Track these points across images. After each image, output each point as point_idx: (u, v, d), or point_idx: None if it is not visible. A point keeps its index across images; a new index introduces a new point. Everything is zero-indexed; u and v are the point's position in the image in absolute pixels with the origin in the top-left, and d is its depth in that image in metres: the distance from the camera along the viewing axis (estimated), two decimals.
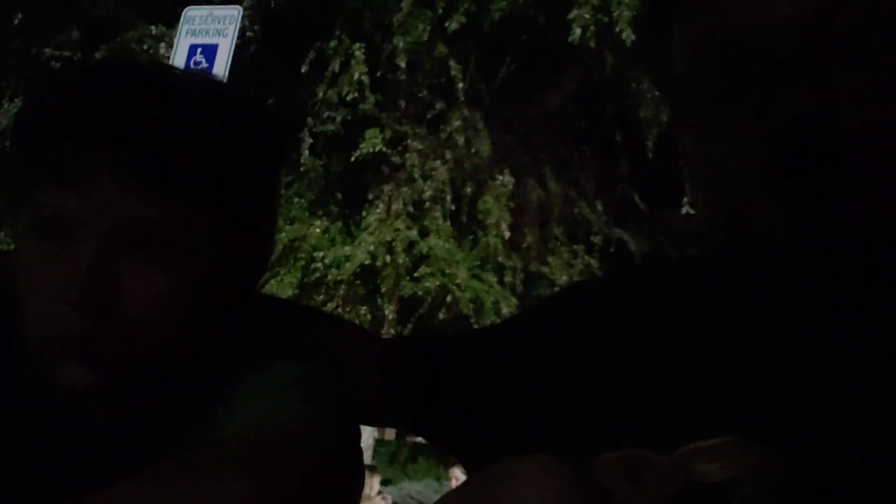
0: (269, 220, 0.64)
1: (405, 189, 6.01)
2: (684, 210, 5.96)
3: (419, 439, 7.29)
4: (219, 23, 3.75)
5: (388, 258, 5.88)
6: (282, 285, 5.86)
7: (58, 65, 5.60)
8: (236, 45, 3.89)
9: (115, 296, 0.53)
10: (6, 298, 0.58)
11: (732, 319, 0.48)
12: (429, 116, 6.03)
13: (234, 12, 3.82)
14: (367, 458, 5.82)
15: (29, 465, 0.58)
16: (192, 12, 3.82)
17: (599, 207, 6.67)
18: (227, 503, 0.44)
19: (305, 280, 6.01)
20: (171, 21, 5.24)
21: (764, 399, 0.45)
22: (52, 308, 0.53)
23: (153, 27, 5.47)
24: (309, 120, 5.91)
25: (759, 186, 0.43)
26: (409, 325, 6.15)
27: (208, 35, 3.71)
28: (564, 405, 0.53)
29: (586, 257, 6.55)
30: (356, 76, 5.67)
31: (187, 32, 3.71)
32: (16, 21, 5.97)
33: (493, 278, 6.18)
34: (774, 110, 0.42)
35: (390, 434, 7.24)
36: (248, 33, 5.39)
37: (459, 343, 0.66)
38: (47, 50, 5.68)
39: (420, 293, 6.04)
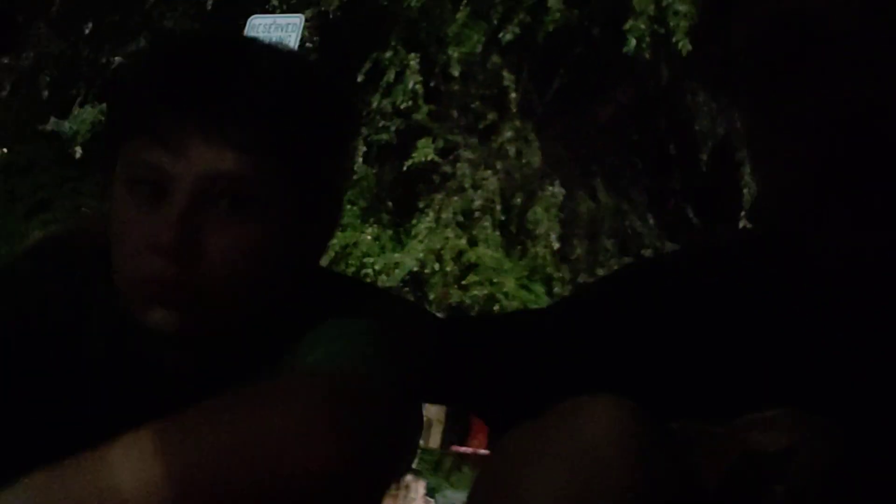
0: (338, 189, 0.69)
1: (455, 198, 6.03)
2: (741, 224, 5.84)
3: (463, 449, 7.26)
4: (282, 30, 3.86)
5: (436, 266, 5.90)
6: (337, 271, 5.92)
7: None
8: None
9: (201, 245, 0.58)
10: (93, 254, 0.63)
11: (790, 297, 0.50)
12: (481, 127, 6.05)
13: (297, 20, 3.94)
14: (412, 464, 5.82)
15: (109, 405, 0.63)
16: (256, 20, 3.95)
17: (651, 221, 6.57)
18: (298, 430, 0.47)
19: None
20: (235, 31, 5.40)
21: (820, 372, 0.46)
22: (143, 254, 0.59)
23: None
24: (363, 129, 5.99)
25: (819, 190, 0.44)
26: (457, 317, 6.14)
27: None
28: (619, 380, 0.54)
29: None
30: (410, 86, 5.74)
31: None
32: (86, 30, 6.21)
33: (541, 289, 6.15)
34: (833, 92, 0.43)
35: (434, 442, 7.23)
36: (307, 44, 5.51)
37: (516, 323, 0.68)
38: (117, 58, 5.89)
39: (468, 301, 6.04)
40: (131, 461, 0.46)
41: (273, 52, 0.66)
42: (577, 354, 0.57)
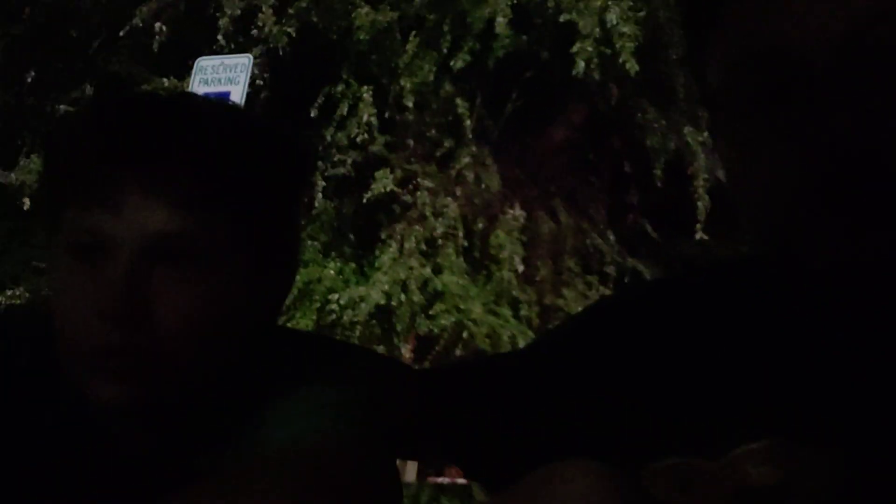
0: (292, 239, 0.66)
1: (417, 227, 6.03)
2: (698, 236, 5.94)
3: (441, 480, 7.18)
4: (230, 71, 3.84)
5: (402, 297, 5.87)
6: (297, 328, 5.85)
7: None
8: (247, 94, 3.97)
9: (148, 309, 0.55)
10: (41, 331, 0.59)
11: (776, 324, 0.48)
12: (438, 154, 6.08)
13: (245, 60, 3.91)
14: None
15: (64, 486, 0.58)
16: (203, 62, 3.91)
17: (612, 238, 6.66)
18: None
19: (321, 322, 6.00)
20: (182, 73, 5.36)
21: (813, 401, 0.45)
22: (87, 323, 0.55)
23: (165, 80, 5.58)
24: (320, 164, 5.97)
25: (803, 204, 0.43)
26: (427, 363, 6.12)
27: (220, 83, 3.79)
28: (604, 421, 0.53)
29: (601, 288, 6.52)
30: (365, 118, 5.75)
31: (200, 82, 3.79)
32: (29, 78, 6.10)
33: (508, 312, 6.15)
34: (816, 128, 0.42)
35: (411, 475, 7.14)
36: (257, 81, 5.49)
37: (494, 367, 0.66)
38: (62, 107, 5.79)
39: (436, 331, 6.02)
40: None
41: (212, 106, 0.64)
42: (556, 398, 0.56)
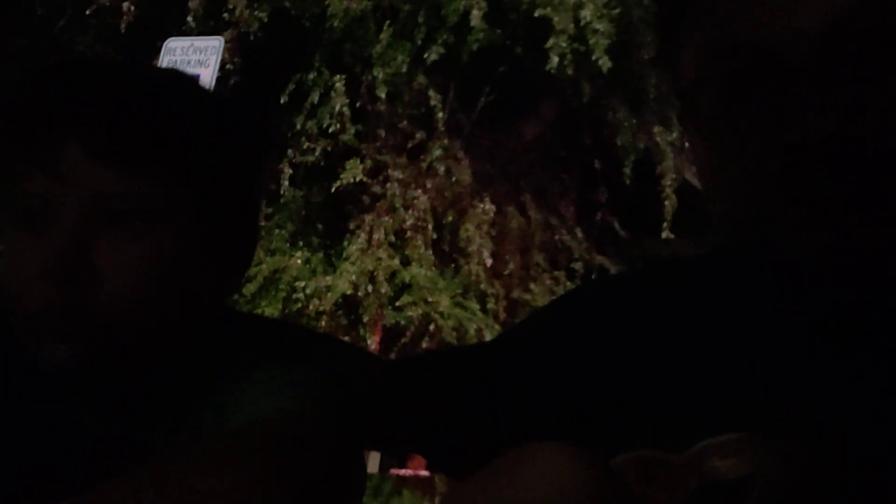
0: (247, 206, 0.65)
1: (386, 219, 6.01)
2: (664, 235, 6.02)
3: (403, 472, 7.19)
4: (200, 53, 3.77)
5: (369, 288, 5.85)
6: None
7: None
8: (216, 78, 3.91)
9: (92, 269, 0.54)
10: None
11: (742, 316, 0.49)
12: (409, 146, 6.06)
13: (216, 42, 3.84)
14: None
15: (17, 455, 0.57)
16: (173, 43, 3.83)
17: (580, 234, 6.72)
18: (229, 498, 0.44)
19: (287, 311, 5.96)
20: (151, 54, 5.26)
21: (777, 393, 0.45)
22: (32, 286, 0.54)
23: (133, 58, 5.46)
24: (289, 151, 5.92)
25: (771, 196, 0.43)
26: (393, 355, 6.11)
27: (190, 66, 3.71)
28: (572, 412, 0.53)
29: (568, 283, 6.57)
30: (337, 107, 5.70)
31: (169, 63, 3.72)
32: None
33: (475, 306, 6.17)
34: (789, 122, 0.42)
35: (373, 467, 7.13)
36: (227, 65, 5.41)
37: (460, 358, 0.65)
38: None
39: (403, 322, 6.01)
40: None
41: (157, 71, 0.64)
42: (522, 389, 0.55)
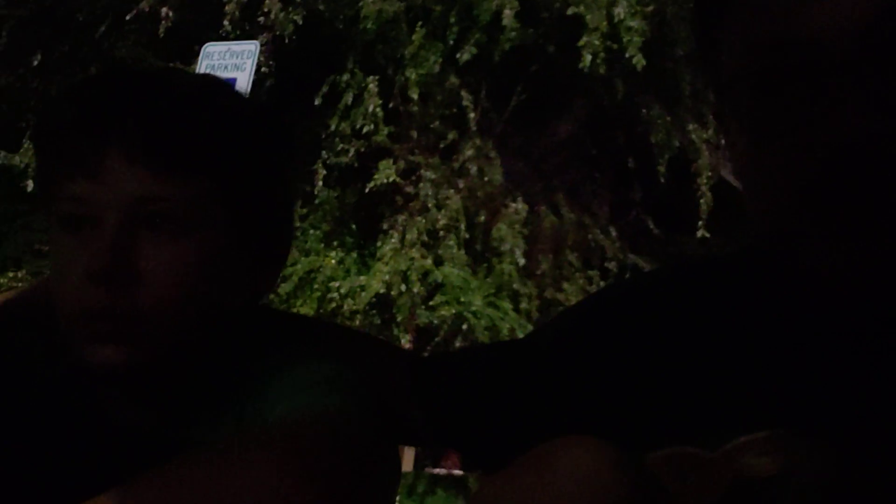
0: (280, 207, 0.67)
1: (419, 219, 6.03)
2: (699, 234, 5.94)
3: (437, 471, 7.19)
4: (237, 58, 3.83)
5: (403, 287, 5.87)
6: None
7: None
8: (252, 81, 3.97)
9: (134, 270, 0.57)
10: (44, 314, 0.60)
11: (775, 316, 0.49)
12: (441, 146, 6.07)
13: (252, 47, 3.91)
14: None
15: (63, 454, 0.60)
16: (210, 48, 3.91)
17: (613, 233, 6.65)
18: (263, 492, 0.45)
19: (321, 311, 6.01)
20: (188, 58, 5.35)
21: (811, 391, 0.45)
22: (77, 288, 0.57)
23: (171, 65, 5.57)
24: (323, 152, 5.97)
25: (809, 197, 0.43)
26: (426, 355, 6.12)
27: (227, 70, 3.78)
28: (603, 410, 0.53)
29: (602, 283, 6.52)
30: (370, 108, 5.74)
31: (207, 67, 3.79)
32: (35, 61, 6.09)
33: (508, 305, 6.15)
34: (827, 120, 0.41)
35: (408, 465, 7.16)
36: (263, 68, 5.48)
37: (492, 354, 0.66)
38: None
39: (436, 322, 6.03)
40: None
41: (194, 77, 0.66)
42: (555, 385, 0.56)
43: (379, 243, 6.09)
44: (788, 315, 0.48)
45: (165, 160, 0.57)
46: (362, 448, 0.53)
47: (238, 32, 5.54)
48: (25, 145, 5.70)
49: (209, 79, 0.67)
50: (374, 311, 6.12)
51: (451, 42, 5.66)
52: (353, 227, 6.38)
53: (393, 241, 6.00)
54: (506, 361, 0.61)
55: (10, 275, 5.98)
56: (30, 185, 5.54)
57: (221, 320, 0.61)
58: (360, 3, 5.58)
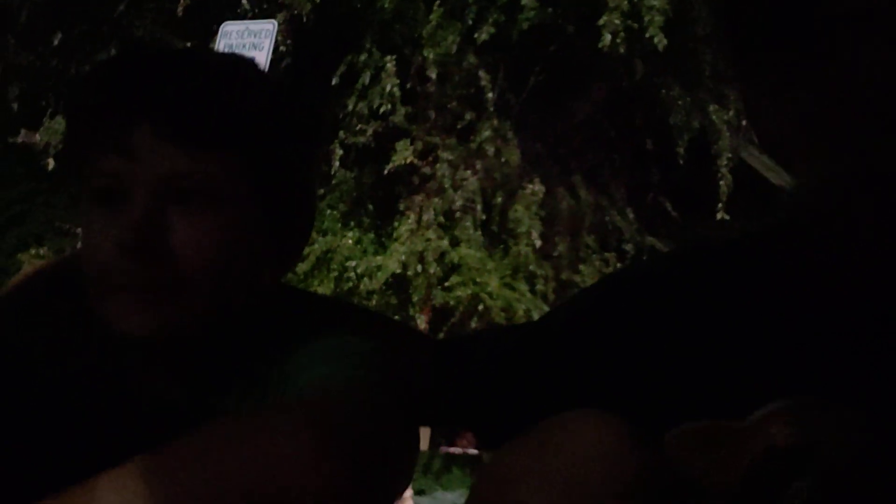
0: (304, 185, 0.68)
1: (436, 199, 6.02)
2: (719, 216, 5.89)
3: (452, 449, 7.24)
4: (254, 37, 3.83)
5: (419, 268, 5.89)
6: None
7: None
8: (269, 60, 3.97)
9: (164, 243, 0.58)
10: (74, 284, 0.62)
11: (795, 286, 0.48)
12: (459, 127, 6.05)
13: (270, 26, 3.90)
14: None
15: (90, 428, 0.61)
16: (228, 27, 3.91)
17: (631, 215, 6.62)
18: (288, 459, 0.46)
19: (338, 290, 6.04)
20: (206, 37, 5.35)
21: (839, 359, 0.45)
22: (108, 260, 0.58)
23: (189, 44, 5.58)
24: (340, 132, 5.97)
25: (820, 142, 0.43)
26: (441, 335, 6.15)
27: (245, 49, 3.78)
28: (619, 387, 0.53)
29: (619, 265, 6.50)
30: (387, 88, 5.72)
31: (224, 47, 3.79)
32: (55, 41, 6.12)
33: (524, 287, 6.16)
34: (844, 65, 0.41)
35: (423, 444, 7.22)
36: (280, 48, 5.48)
37: (510, 336, 0.66)
38: (86, 69, 5.82)
39: (452, 303, 6.04)
40: (121, 497, 0.44)
41: (221, 56, 0.68)
42: (571, 366, 0.56)
43: (396, 224, 6.10)
44: (806, 286, 0.48)
45: (194, 137, 0.58)
46: (387, 421, 0.54)
47: (256, 11, 5.53)
48: (46, 124, 5.75)
49: (235, 57, 0.68)
50: (391, 292, 6.15)
51: (470, 21, 5.62)
52: (371, 207, 6.40)
53: (410, 221, 6.01)
54: (523, 343, 0.62)
55: (32, 252, 6.06)
56: (51, 163, 5.59)
57: (248, 293, 0.62)
58: None
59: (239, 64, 0.65)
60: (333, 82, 5.81)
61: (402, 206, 6.12)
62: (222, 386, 0.61)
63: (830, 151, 0.43)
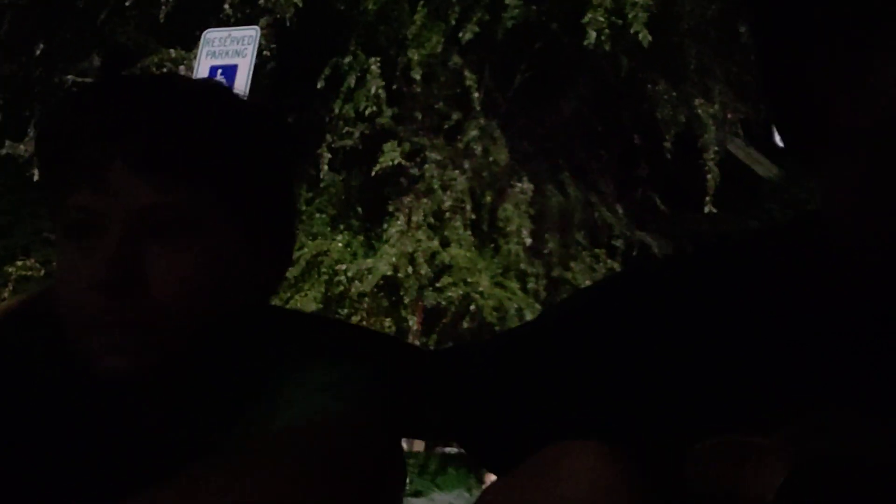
0: (283, 210, 0.67)
1: (425, 200, 6.02)
2: (707, 210, 5.92)
3: (448, 449, 7.25)
4: (237, 43, 3.80)
5: (410, 269, 5.88)
6: (306, 300, 5.88)
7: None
8: (254, 65, 3.94)
9: (140, 279, 0.57)
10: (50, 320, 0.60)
11: (818, 294, 0.47)
12: (446, 127, 6.04)
13: (252, 32, 3.88)
14: None
15: (72, 468, 0.60)
16: (211, 34, 3.88)
17: (620, 211, 6.64)
18: (272, 496, 0.45)
19: (329, 294, 6.02)
20: (189, 44, 5.31)
21: (867, 371, 0.44)
22: (84, 298, 0.57)
23: (172, 51, 5.54)
24: (327, 136, 5.95)
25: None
26: (434, 336, 6.15)
27: (227, 56, 3.76)
28: (616, 403, 0.51)
29: (609, 261, 6.52)
30: (373, 90, 5.71)
31: (207, 54, 3.77)
32: (37, 50, 6.06)
33: (515, 286, 6.16)
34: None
35: (419, 445, 7.21)
36: (264, 52, 5.45)
37: (503, 347, 0.64)
38: (69, 77, 5.76)
39: (443, 303, 6.03)
40: None
41: (194, 84, 0.66)
42: (564, 378, 0.54)
43: (385, 226, 6.09)
44: (831, 294, 0.47)
45: (168, 169, 0.57)
46: (373, 453, 0.53)
47: (239, 16, 5.49)
48: (30, 134, 5.69)
49: (208, 84, 0.67)
50: (382, 294, 6.13)
51: (454, 21, 5.61)
52: (359, 209, 6.37)
53: (399, 223, 5.99)
54: (516, 355, 0.60)
55: (20, 263, 6.00)
56: (36, 174, 5.53)
57: (230, 324, 0.61)
58: None
59: (212, 91, 0.64)
60: (319, 85, 5.79)
61: (391, 208, 6.10)
62: (206, 420, 0.60)
63: None
